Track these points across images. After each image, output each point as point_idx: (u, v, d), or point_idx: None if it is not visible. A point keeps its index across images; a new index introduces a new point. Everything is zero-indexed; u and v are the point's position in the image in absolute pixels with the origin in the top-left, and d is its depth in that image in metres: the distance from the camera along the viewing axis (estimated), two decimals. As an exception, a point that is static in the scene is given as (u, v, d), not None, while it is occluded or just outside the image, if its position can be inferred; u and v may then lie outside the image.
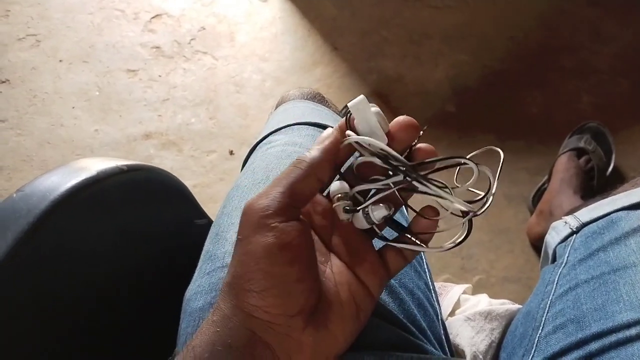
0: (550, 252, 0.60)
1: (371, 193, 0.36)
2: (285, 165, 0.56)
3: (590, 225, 0.57)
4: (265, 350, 0.32)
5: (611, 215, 0.56)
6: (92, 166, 0.47)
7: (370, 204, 0.35)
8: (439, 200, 0.33)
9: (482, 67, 1.45)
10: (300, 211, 0.34)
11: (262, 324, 0.32)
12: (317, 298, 0.34)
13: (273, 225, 0.31)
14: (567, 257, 0.55)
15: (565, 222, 0.60)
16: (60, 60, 1.47)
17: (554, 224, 0.63)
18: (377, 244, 0.38)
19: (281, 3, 1.61)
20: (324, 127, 0.63)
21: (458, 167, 0.34)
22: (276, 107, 0.76)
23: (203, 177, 1.28)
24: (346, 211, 0.35)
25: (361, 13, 1.57)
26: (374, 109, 0.35)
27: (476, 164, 0.33)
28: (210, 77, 1.46)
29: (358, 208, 0.35)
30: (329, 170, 0.35)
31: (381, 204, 0.35)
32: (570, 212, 0.63)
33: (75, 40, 1.51)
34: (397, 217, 0.55)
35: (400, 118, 0.35)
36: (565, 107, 1.36)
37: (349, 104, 0.35)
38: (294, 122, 0.63)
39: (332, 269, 0.36)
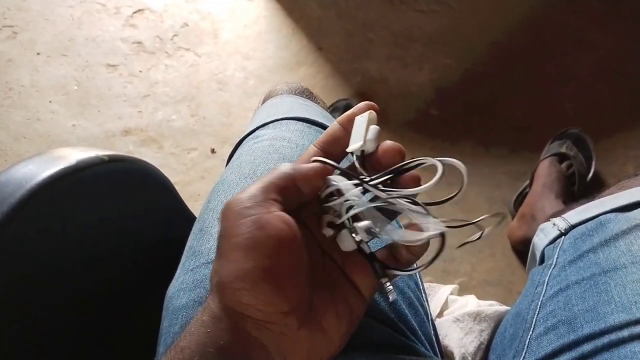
0: (538, 253, 0.60)
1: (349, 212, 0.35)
2: (273, 160, 0.55)
3: (579, 227, 0.57)
4: (260, 351, 0.31)
5: (600, 217, 0.56)
6: (72, 155, 0.45)
7: (347, 217, 0.34)
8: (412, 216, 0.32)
9: (465, 71, 1.45)
10: (282, 205, 0.32)
11: (256, 324, 0.30)
12: (310, 295, 0.32)
13: (255, 215, 0.30)
14: (557, 258, 0.54)
15: (554, 224, 0.59)
16: (38, 53, 1.43)
17: (541, 225, 0.62)
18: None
19: (266, 2, 1.59)
20: (313, 122, 0.62)
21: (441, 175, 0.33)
22: (263, 102, 0.74)
23: (184, 174, 1.26)
24: (329, 225, 0.35)
25: (346, 14, 1.56)
26: (373, 126, 0.36)
27: (440, 161, 0.32)
28: (192, 74, 1.44)
29: (338, 222, 0.34)
30: (308, 193, 0.34)
31: (365, 222, 0.34)
32: (555, 214, 0.63)
33: (54, 33, 1.47)
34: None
35: (387, 143, 0.35)
36: (548, 113, 1.37)
37: (357, 117, 0.37)
38: (282, 116, 0.62)
39: (325, 268, 0.35)
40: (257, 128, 0.62)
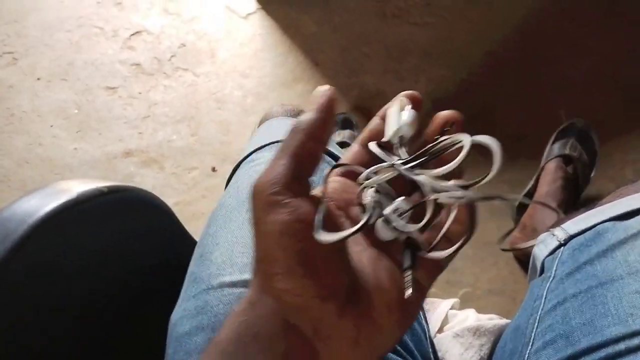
0: (539, 264, 0.60)
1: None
2: None
3: (578, 237, 0.57)
4: (299, 339, 0.30)
5: (597, 226, 0.56)
6: (72, 188, 0.46)
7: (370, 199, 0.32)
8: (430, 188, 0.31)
9: (461, 82, 1.46)
10: (309, 184, 0.32)
11: (294, 310, 0.30)
12: (349, 280, 0.31)
13: (285, 201, 0.29)
14: (555, 270, 0.55)
15: (553, 235, 0.60)
16: (38, 79, 1.44)
17: (541, 236, 0.63)
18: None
19: (261, 20, 1.61)
20: None
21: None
22: (259, 124, 0.76)
23: (185, 194, 1.27)
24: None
25: (341, 29, 1.58)
26: (407, 111, 0.35)
27: (470, 137, 0.31)
28: (191, 94, 1.45)
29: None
30: (328, 129, 0.33)
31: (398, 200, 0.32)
32: (555, 224, 0.63)
33: (53, 58, 1.49)
34: None
35: (442, 113, 0.35)
36: (544, 120, 1.38)
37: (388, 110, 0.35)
38: (277, 139, 0.63)
39: (367, 255, 0.33)
40: (254, 151, 0.63)
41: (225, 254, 0.48)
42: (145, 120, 1.39)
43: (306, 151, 0.31)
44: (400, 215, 0.32)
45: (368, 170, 0.34)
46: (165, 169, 1.31)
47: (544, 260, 0.59)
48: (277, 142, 0.62)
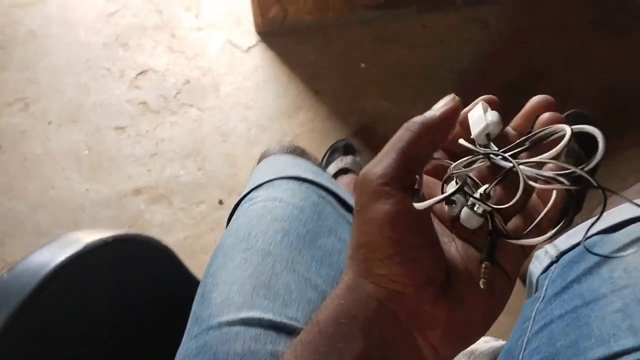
0: (534, 282, 0.61)
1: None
2: (266, 222, 0.59)
3: (568, 253, 0.57)
4: (394, 322, 0.32)
5: (586, 241, 0.56)
6: (80, 240, 0.50)
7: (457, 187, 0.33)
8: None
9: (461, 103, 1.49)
10: (415, 180, 0.33)
11: (391, 294, 0.32)
12: (444, 269, 0.33)
13: (391, 192, 0.31)
14: (545, 289, 0.56)
15: (546, 251, 0.60)
16: (49, 122, 1.50)
17: (536, 253, 0.63)
18: None
19: (262, 52, 1.66)
20: (304, 180, 0.65)
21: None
22: (258, 162, 0.79)
23: (194, 228, 1.30)
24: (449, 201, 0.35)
25: (340, 56, 1.62)
26: (492, 111, 0.37)
27: (573, 129, 0.31)
28: (196, 129, 1.50)
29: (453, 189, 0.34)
30: (442, 132, 0.34)
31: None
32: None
33: (63, 102, 1.55)
34: None
35: (535, 98, 0.37)
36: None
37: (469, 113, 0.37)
38: (274, 177, 0.66)
39: (457, 246, 0.35)
40: (253, 189, 0.66)
41: (224, 293, 0.51)
42: (153, 158, 1.43)
43: (415, 150, 0.33)
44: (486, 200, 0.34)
45: (458, 161, 0.36)
46: (174, 204, 1.34)
47: (538, 278, 0.60)
48: (274, 179, 0.65)
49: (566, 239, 0.59)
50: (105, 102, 1.55)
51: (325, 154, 1.41)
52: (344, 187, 1.16)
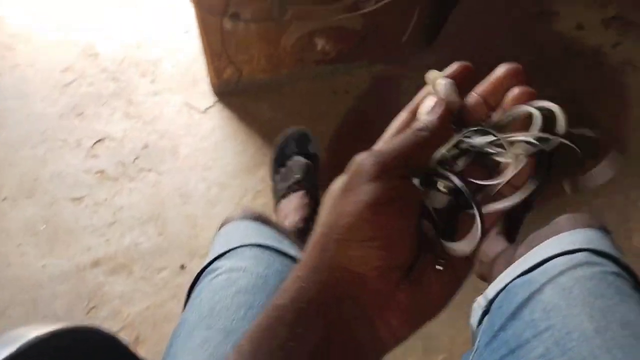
0: (473, 335, 0.62)
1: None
2: (230, 294, 0.58)
3: (495, 300, 0.59)
4: (354, 306, 0.32)
5: (508, 285, 0.58)
6: (15, 339, 0.48)
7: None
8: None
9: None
10: (410, 173, 0.34)
11: (354, 277, 0.31)
12: (415, 255, 0.33)
13: (384, 178, 0.32)
14: (478, 342, 0.57)
15: (479, 303, 0.62)
16: (4, 199, 1.48)
17: (474, 304, 0.65)
18: None
19: (219, 112, 1.67)
20: (266, 247, 0.65)
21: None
22: (220, 228, 0.78)
23: (155, 296, 1.27)
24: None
25: (295, 112, 1.64)
26: (441, 82, 0.37)
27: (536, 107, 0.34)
28: (156, 193, 1.49)
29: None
30: (445, 138, 0.35)
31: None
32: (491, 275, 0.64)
33: (18, 176, 1.53)
34: None
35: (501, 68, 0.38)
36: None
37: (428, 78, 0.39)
38: (237, 245, 0.65)
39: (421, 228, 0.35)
40: (215, 259, 0.65)
41: None
42: (112, 226, 1.41)
43: (419, 155, 0.34)
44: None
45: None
46: (134, 272, 1.32)
47: (474, 330, 0.61)
48: (237, 247, 0.65)
49: (492, 287, 0.61)
50: (62, 174, 1.54)
51: (276, 150, 1.44)
52: (294, 211, 1.16)
